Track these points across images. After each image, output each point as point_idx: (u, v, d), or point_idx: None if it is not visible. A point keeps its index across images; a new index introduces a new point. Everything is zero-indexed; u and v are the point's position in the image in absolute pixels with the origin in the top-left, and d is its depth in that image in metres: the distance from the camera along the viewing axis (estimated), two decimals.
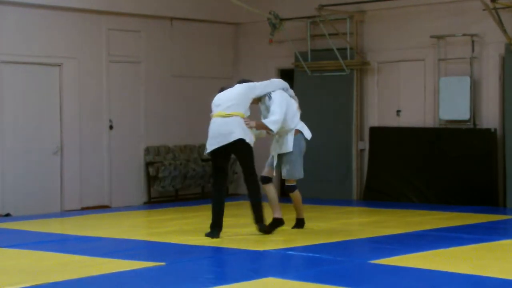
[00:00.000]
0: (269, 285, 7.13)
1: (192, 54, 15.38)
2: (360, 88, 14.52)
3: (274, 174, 10.51)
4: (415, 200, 13.67)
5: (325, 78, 14.75)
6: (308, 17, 14.66)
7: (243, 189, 15.90)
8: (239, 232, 10.40)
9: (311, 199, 13.90)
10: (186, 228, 10.81)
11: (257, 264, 8.14)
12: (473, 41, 13.30)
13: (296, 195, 10.48)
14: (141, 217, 12.80)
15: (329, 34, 14.29)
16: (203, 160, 15.25)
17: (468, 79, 13.27)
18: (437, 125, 13.75)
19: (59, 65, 13.60)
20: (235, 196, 15.51)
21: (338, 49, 14.26)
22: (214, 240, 9.58)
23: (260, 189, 10.20)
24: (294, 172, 10.34)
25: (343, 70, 14.43)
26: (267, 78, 15.55)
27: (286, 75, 15.55)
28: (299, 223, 10.68)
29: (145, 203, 14.59)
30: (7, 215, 12.88)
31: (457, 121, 13.48)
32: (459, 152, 13.31)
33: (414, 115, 13.99)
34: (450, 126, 13.58)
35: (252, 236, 10.12)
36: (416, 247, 8.98)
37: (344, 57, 14.35)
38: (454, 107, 13.38)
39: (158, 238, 9.95)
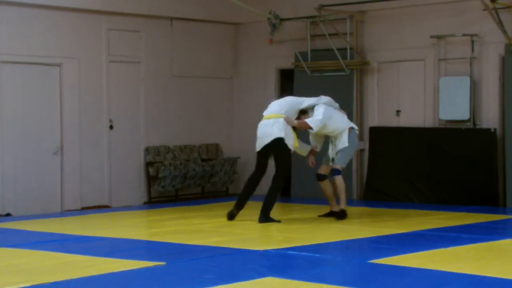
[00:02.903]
0: (269, 285, 7.13)
1: (192, 54, 15.38)
2: (360, 88, 14.52)
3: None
4: (415, 200, 13.67)
5: (325, 78, 14.74)
6: (308, 17, 14.66)
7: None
8: (239, 232, 10.41)
9: (311, 199, 13.92)
10: (186, 228, 10.82)
11: (257, 264, 8.14)
12: (473, 41, 13.30)
13: (340, 181, 11.35)
14: (141, 217, 12.80)
15: (329, 34, 14.29)
16: (203, 160, 15.26)
17: (468, 79, 13.27)
18: (437, 125, 13.75)
19: (59, 65, 13.60)
20: (235, 196, 15.49)
21: (338, 49, 14.25)
22: (214, 240, 9.58)
23: (276, 190, 11.33)
24: (344, 159, 11.39)
25: (343, 70, 14.43)
26: (267, 78, 15.75)
27: (286, 75, 15.60)
28: (342, 214, 11.35)
29: (145, 203, 14.59)
30: (7, 215, 12.88)
31: (457, 121, 13.48)
32: (459, 152, 13.31)
33: (414, 115, 13.99)
34: (450, 126, 13.58)
35: (252, 236, 10.14)
36: (416, 247, 8.99)
37: (344, 57, 14.35)
38: (454, 107, 13.38)
39: (158, 238, 9.96)
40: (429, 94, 13.83)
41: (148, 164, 14.61)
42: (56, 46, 13.53)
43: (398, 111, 14.21)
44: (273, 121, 11.19)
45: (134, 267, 7.89)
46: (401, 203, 13.42)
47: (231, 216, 11.36)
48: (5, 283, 7.18)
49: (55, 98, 13.57)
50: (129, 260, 8.23)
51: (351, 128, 11.49)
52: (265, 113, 11.44)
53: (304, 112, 11.43)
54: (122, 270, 7.74)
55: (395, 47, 14.22)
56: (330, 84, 14.63)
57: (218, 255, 8.60)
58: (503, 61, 13.04)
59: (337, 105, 11.69)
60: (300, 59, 14.79)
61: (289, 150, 11.24)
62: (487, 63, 13.30)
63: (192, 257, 8.44)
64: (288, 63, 15.19)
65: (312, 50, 14.81)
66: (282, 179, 11.37)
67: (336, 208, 11.65)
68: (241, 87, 16.07)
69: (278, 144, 11.14)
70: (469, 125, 13.35)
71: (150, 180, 14.64)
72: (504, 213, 12.30)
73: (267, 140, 11.17)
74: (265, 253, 8.72)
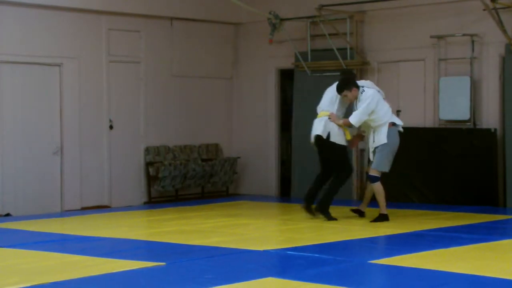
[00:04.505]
0: (269, 285, 7.14)
1: (192, 54, 15.38)
2: None
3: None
4: (415, 200, 13.66)
5: (325, 78, 14.71)
6: (308, 17, 14.65)
7: (243, 189, 16.00)
8: (239, 232, 10.41)
9: None
10: (186, 228, 10.82)
11: (257, 264, 8.14)
12: (473, 41, 13.30)
13: (377, 187, 11.03)
14: (141, 217, 12.80)
15: (329, 34, 14.29)
16: (203, 160, 15.25)
17: (468, 79, 13.26)
18: (437, 125, 13.75)
19: (59, 65, 13.60)
20: (235, 196, 15.52)
21: (338, 49, 14.25)
22: (214, 240, 9.59)
23: (339, 185, 11.28)
24: (381, 162, 11.01)
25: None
26: (267, 78, 15.74)
27: (286, 75, 15.60)
28: (381, 218, 11.10)
29: (145, 203, 14.59)
30: (7, 215, 12.88)
31: (457, 121, 13.48)
32: (459, 152, 13.31)
33: (414, 115, 13.98)
34: (450, 126, 13.58)
35: (252, 236, 10.14)
36: (416, 247, 8.99)
37: (344, 57, 14.35)
38: (454, 107, 13.38)
39: (158, 238, 9.96)
40: (429, 94, 13.83)
41: (148, 164, 14.61)
42: (56, 46, 13.53)
43: (398, 111, 14.19)
44: (320, 120, 11.24)
45: (134, 267, 7.89)
46: (401, 203, 13.42)
47: (307, 210, 11.46)
48: (5, 283, 7.18)
49: (55, 98, 13.56)
50: (129, 260, 8.23)
51: (392, 124, 11.13)
52: (319, 110, 11.43)
53: (355, 86, 11.20)
54: (122, 270, 7.75)
55: (395, 47, 14.21)
56: (330, 84, 14.59)
57: (218, 255, 8.60)
58: (503, 61, 13.04)
59: (383, 93, 11.39)
60: (300, 59, 14.79)
61: (338, 146, 11.19)
62: (487, 63, 13.30)
63: (192, 257, 8.44)
64: (288, 63, 15.19)
65: (312, 50, 14.81)
66: (342, 174, 11.28)
67: (364, 209, 11.54)
68: (241, 87, 16.06)
69: (325, 143, 11.19)
70: (469, 125, 13.34)
71: (150, 180, 14.63)
72: (504, 213, 12.30)
73: (312, 137, 11.27)
74: (265, 253, 8.73)
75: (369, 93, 11.08)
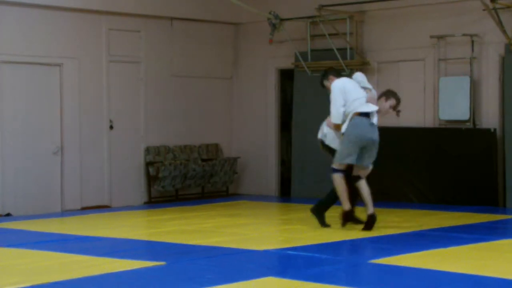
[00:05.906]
0: (269, 285, 7.14)
1: (192, 54, 15.38)
2: None
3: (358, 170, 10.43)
4: (415, 200, 13.66)
5: None
6: (308, 17, 14.65)
7: (243, 189, 16.01)
8: (239, 232, 10.41)
9: (312, 199, 13.90)
10: (186, 228, 10.83)
11: (257, 264, 8.14)
12: (473, 41, 13.30)
13: (335, 179, 10.15)
14: (141, 217, 12.81)
15: (329, 34, 14.29)
16: (203, 160, 15.25)
17: (468, 79, 13.27)
18: (437, 125, 13.75)
19: (59, 65, 13.60)
20: (235, 196, 15.52)
21: (338, 49, 14.25)
22: (214, 240, 9.59)
23: (334, 183, 10.27)
24: (338, 155, 10.22)
25: (343, 70, 14.40)
26: (267, 78, 15.74)
27: (286, 75, 15.60)
28: (345, 217, 10.35)
29: (145, 203, 14.59)
30: (7, 215, 12.88)
31: (457, 121, 13.48)
32: (459, 152, 13.31)
33: (414, 115, 13.98)
34: (450, 126, 13.59)
35: (252, 236, 10.14)
36: (416, 247, 8.99)
37: (344, 57, 14.35)
38: (454, 107, 13.38)
39: (158, 238, 9.97)
40: (429, 94, 13.83)
41: (148, 164, 14.61)
42: (56, 46, 13.53)
43: (398, 111, 14.18)
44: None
45: (134, 267, 7.89)
46: (401, 203, 13.42)
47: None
48: (5, 283, 7.18)
49: (55, 98, 13.56)
50: (129, 260, 8.24)
51: (356, 114, 10.18)
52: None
53: (332, 74, 10.76)
54: (122, 270, 7.75)
55: (395, 47, 14.21)
56: None
57: (218, 255, 8.60)
58: (503, 61, 13.04)
59: (367, 86, 10.60)
60: (300, 59, 14.79)
61: (334, 150, 10.42)
62: (487, 63, 13.30)
63: (192, 257, 8.45)
64: (288, 63, 15.19)
65: (312, 50, 14.81)
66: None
67: (369, 211, 10.22)
68: (241, 87, 16.07)
69: (324, 148, 10.71)
70: (469, 125, 13.35)
71: (150, 180, 14.63)
72: (504, 213, 12.31)
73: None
74: (265, 253, 8.73)
75: (333, 84, 10.45)
